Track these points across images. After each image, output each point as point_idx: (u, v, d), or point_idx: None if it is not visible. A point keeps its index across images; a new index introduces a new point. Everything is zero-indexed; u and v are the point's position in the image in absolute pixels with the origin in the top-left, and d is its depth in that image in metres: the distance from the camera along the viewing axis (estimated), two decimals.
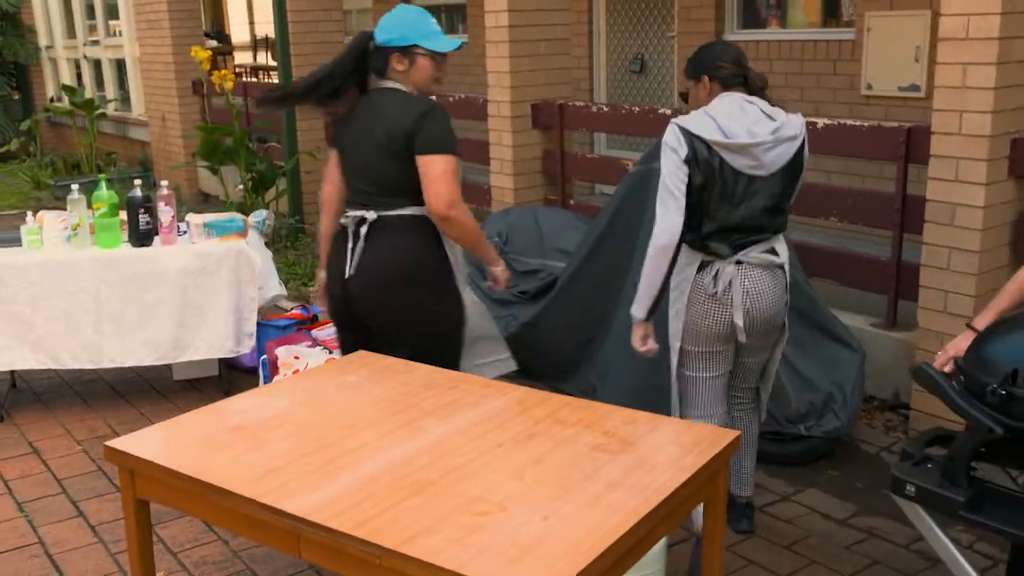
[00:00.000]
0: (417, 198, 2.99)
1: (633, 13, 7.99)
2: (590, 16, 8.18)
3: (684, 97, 3.22)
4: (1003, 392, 2.08)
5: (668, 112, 5.26)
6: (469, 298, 3.25)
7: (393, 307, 3.07)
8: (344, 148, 3.17)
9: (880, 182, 5.58)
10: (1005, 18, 3.64)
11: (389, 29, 3.04)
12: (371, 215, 3.05)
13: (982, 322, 2.50)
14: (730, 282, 2.96)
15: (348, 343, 3.25)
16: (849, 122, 4.52)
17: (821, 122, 4.56)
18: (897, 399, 4.36)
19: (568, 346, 4.59)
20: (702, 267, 3.00)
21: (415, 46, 3.04)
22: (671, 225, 2.88)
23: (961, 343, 2.46)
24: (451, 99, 6.75)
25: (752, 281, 2.99)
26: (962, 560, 2.26)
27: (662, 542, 2.77)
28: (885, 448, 4.08)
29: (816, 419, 3.90)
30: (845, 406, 3.93)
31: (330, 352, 4.08)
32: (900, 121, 4.78)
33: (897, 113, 6.04)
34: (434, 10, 10.40)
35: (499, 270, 3.29)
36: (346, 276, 3.10)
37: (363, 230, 3.05)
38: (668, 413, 3.73)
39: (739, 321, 2.99)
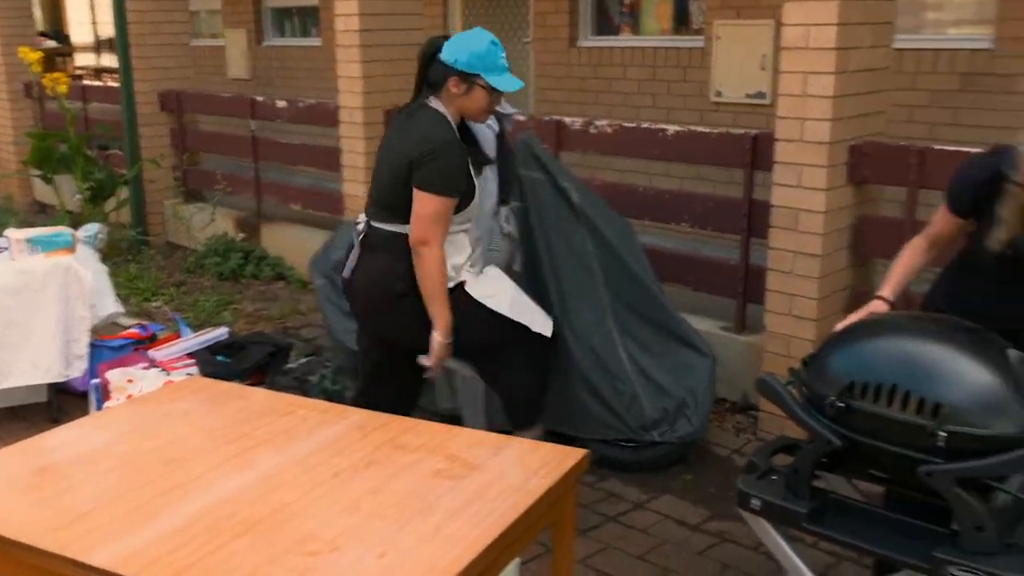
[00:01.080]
0: (406, 218, 3.06)
1: (489, 18, 7.95)
2: (445, 21, 8.10)
3: None
4: (841, 404, 2.08)
5: (522, 118, 5.21)
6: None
7: (371, 314, 3.24)
8: (377, 155, 3.23)
9: (731, 187, 5.69)
10: (842, 29, 3.73)
11: (458, 52, 3.05)
12: (363, 225, 3.19)
13: (887, 291, 2.62)
14: None
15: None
16: (699, 129, 4.58)
17: (672, 129, 4.60)
18: (747, 401, 4.43)
19: None
20: None
21: (477, 76, 3.04)
22: None
23: (873, 310, 2.53)
24: (300, 105, 6.55)
25: None
26: (808, 574, 2.27)
27: (515, 562, 2.69)
28: (736, 451, 4.13)
29: (669, 425, 3.90)
30: (697, 411, 3.95)
31: (168, 374, 3.84)
32: (748, 128, 4.87)
33: (745, 120, 6.19)
34: (286, 12, 10.11)
35: (438, 339, 3.11)
36: (344, 276, 3.28)
37: (359, 238, 3.20)
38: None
39: None
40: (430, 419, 2.60)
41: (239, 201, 7.32)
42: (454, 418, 3.98)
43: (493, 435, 2.36)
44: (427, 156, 2.95)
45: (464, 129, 3.17)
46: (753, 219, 4.34)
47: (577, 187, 3.97)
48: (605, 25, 7.21)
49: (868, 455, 2.14)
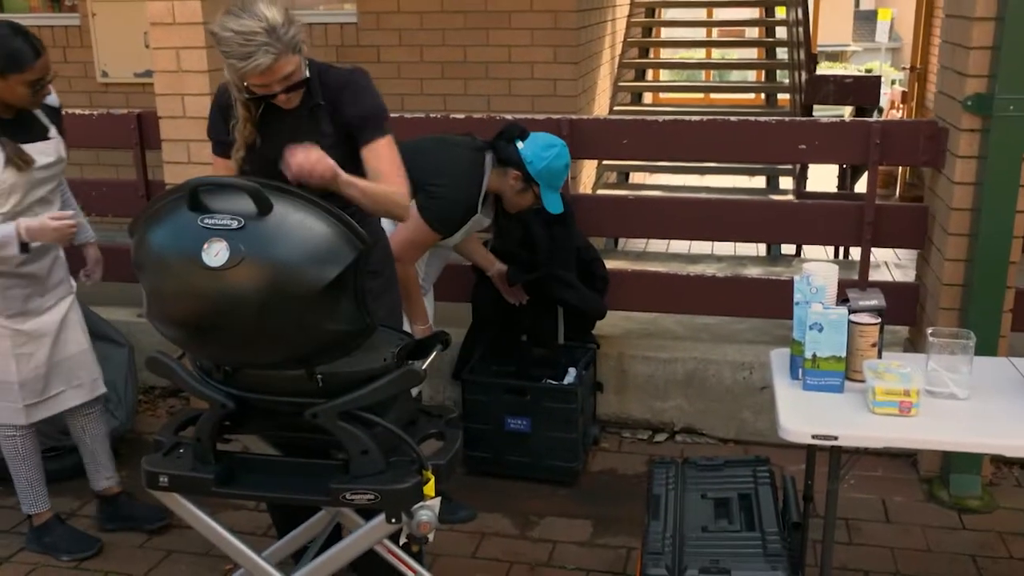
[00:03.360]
0: None
1: None
2: None
3: None
4: (227, 368, 2.16)
5: None
6: None
7: None
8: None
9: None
10: (206, 3, 3.77)
11: (539, 158, 3.25)
12: None
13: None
14: None
15: None
16: (77, 112, 4.33)
17: None
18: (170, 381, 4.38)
19: None
20: None
21: (537, 184, 3.25)
22: None
23: None
24: None
25: None
26: (232, 539, 2.32)
27: None
28: None
29: None
30: (122, 403, 3.85)
31: None
32: (137, 108, 4.74)
33: (139, 100, 6.00)
34: None
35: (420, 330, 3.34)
36: None
37: None
38: None
39: None
40: None
41: None
42: None
43: None
44: (438, 192, 3.06)
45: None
46: (150, 199, 4.25)
47: None
48: None
49: (265, 410, 2.25)
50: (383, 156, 2.54)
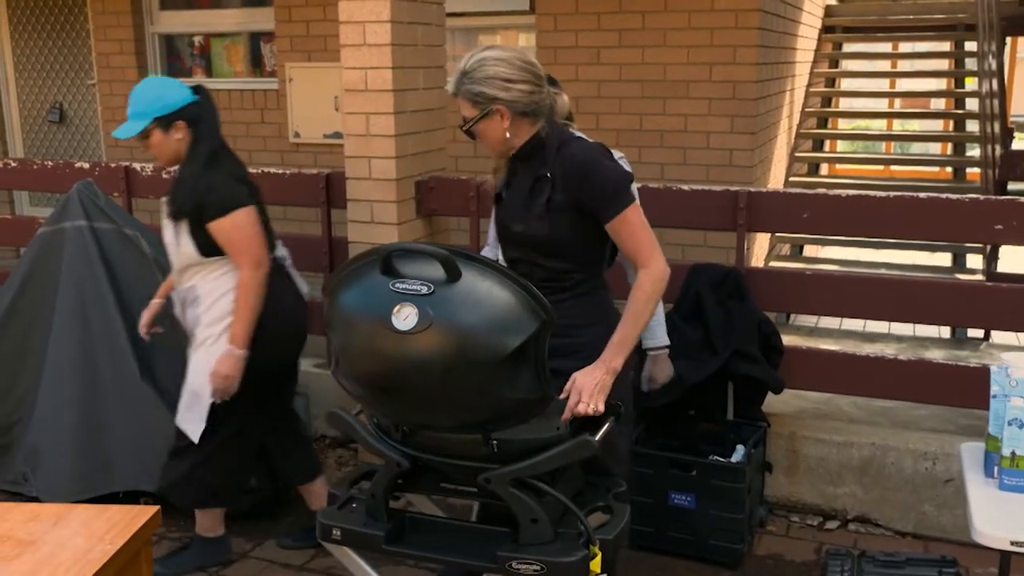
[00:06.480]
0: None
1: (45, 59, 7.38)
2: None
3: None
4: (406, 428, 2.20)
5: (86, 166, 4.90)
6: None
7: None
8: None
9: (318, 226, 5.76)
10: (396, 72, 3.95)
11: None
12: None
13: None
14: None
15: None
16: (272, 170, 4.59)
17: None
18: (346, 435, 4.50)
19: None
20: None
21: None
22: None
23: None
24: None
25: None
26: None
27: None
28: None
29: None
30: None
31: None
32: (326, 167, 4.98)
33: (326, 160, 6.31)
34: None
35: None
36: None
37: None
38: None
39: None
40: None
41: None
42: None
43: (53, 506, 2.19)
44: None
45: None
46: (334, 256, 4.44)
47: (146, 234, 3.83)
48: (177, 67, 7.01)
49: (438, 471, 2.28)
50: (633, 228, 2.52)
